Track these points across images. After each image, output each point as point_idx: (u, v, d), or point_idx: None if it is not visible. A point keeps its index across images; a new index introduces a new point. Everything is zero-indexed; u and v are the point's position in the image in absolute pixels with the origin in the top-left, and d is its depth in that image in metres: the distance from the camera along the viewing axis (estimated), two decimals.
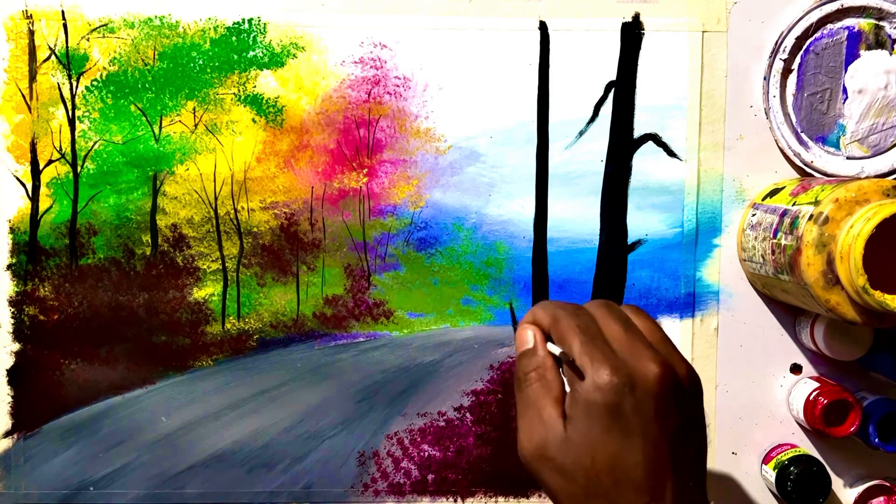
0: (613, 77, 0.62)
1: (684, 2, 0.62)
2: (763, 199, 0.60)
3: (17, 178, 0.61)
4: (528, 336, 0.44)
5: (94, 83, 0.61)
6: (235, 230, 0.63)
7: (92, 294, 0.62)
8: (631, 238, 0.63)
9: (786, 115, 0.61)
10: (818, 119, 0.61)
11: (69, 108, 0.61)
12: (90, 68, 0.61)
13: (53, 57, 0.61)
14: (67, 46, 0.61)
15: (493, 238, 0.63)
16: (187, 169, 0.62)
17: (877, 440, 0.59)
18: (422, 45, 0.62)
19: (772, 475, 0.61)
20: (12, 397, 0.62)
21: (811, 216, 0.51)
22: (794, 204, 0.54)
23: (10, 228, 0.61)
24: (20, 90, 0.61)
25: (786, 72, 0.61)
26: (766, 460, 0.62)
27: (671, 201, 0.63)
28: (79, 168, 0.61)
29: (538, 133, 0.63)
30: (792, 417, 0.63)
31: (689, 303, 0.63)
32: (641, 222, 0.63)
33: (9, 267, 0.62)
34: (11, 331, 0.62)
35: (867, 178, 0.57)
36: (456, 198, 0.63)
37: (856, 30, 0.60)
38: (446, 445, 0.63)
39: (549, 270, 0.63)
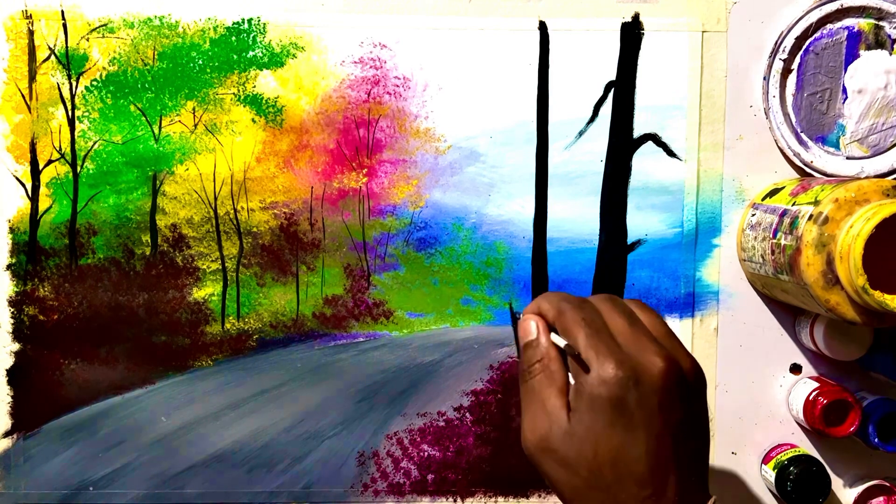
0: (613, 77, 0.62)
1: (684, 2, 0.62)
2: (763, 199, 0.60)
3: (17, 178, 0.61)
4: (532, 327, 0.44)
5: (94, 83, 0.61)
6: (235, 230, 0.63)
7: (92, 294, 0.62)
8: (631, 238, 0.63)
9: (785, 115, 0.61)
10: (818, 119, 0.61)
11: (69, 108, 0.61)
12: (90, 68, 0.61)
13: (53, 57, 0.61)
14: (67, 46, 0.61)
15: (493, 238, 0.63)
16: (187, 169, 0.62)
17: (876, 440, 0.59)
18: (422, 45, 0.62)
19: (772, 475, 0.61)
20: (12, 397, 0.62)
21: (811, 216, 0.51)
22: (793, 204, 0.54)
23: (10, 228, 0.61)
24: (20, 90, 0.61)
25: (785, 72, 0.61)
26: (765, 460, 0.62)
27: (671, 201, 0.63)
28: (78, 168, 0.61)
29: (538, 133, 0.63)
30: (792, 417, 0.63)
31: (689, 303, 0.63)
32: (641, 222, 0.63)
33: (8, 267, 0.62)
34: (11, 331, 0.62)
35: (867, 178, 0.57)
36: (456, 198, 0.63)
37: (855, 30, 0.60)
38: (446, 445, 0.63)
39: (549, 270, 0.63)
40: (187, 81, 0.61)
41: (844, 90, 0.61)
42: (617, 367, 0.39)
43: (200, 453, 0.63)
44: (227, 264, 0.63)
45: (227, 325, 0.63)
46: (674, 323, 0.63)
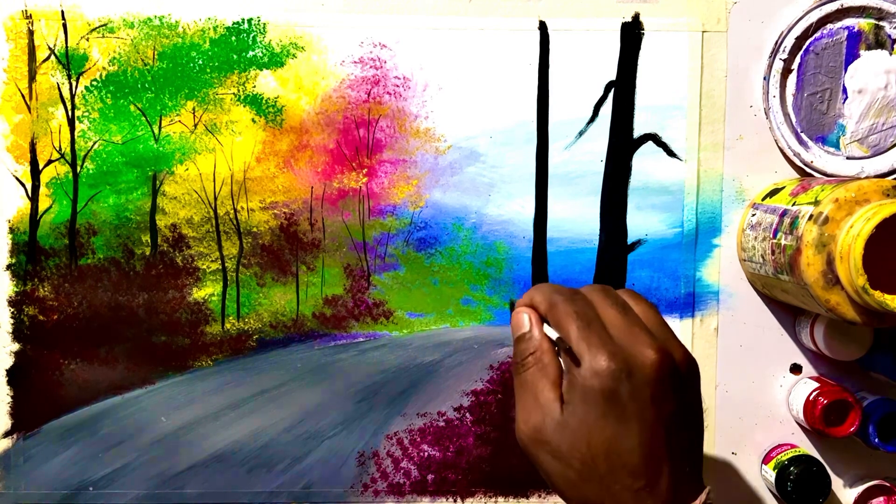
0: (613, 77, 0.62)
1: (684, 2, 0.62)
2: (763, 199, 0.60)
3: (17, 178, 0.61)
4: (525, 320, 0.44)
5: (94, 83, 0.61)
6: (235, 230, 0.62)
7: (92, 294, 0.62)
8: (631, 238, 0.63)
9: (786, 115, 0.61)
10: (818, 119, 0.61)
11: (69, 108, 0.61)
12: (90, 68, 0.61)
13: (53, 57, 0.61)
14: (67, 46, 0.61)
15: (493, 238, 0.63)
16: (187, 169, 0.62)
17: (877, 440, 0.59)
18: (422, 45, 0.62)
19: (772, 475, 0.61)
20: (12, 397, 0.62)
21: (811, 216, 0.51)
22: (793, 204, 0.54)
23: (10, 228, 0.61)
24: (20, 90, 0.61)
25: (786, 72, 0.61)
26: (766, 460, 0.62)
27: (671, 201, 0.63)
28: (78, 168, 0.61)
29: (538, 133, 0.63)
30: (792, 417, 0.63)
31: (689, 303, 0.63)
32: (641, 222, 0.63)
33: (8, 267, 0.62)
34: (11, 331, 0.62)
35: (867, 178, 0.57)
36: (456, 198, 0.63)
37: (856, 30, 0.60)
38: (446, 445, 0.63)
39: (549, 270, 0.63)
40: (187, 81, 0.61)
41: (844, 90, 0.61)
42: (609, 360, 0.39)
43: (200, 453, 0.63)
44: (227, 264, 0.63)
45: (227, 326, 0.63)
46: (674, 323, 0.63)
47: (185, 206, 0.62)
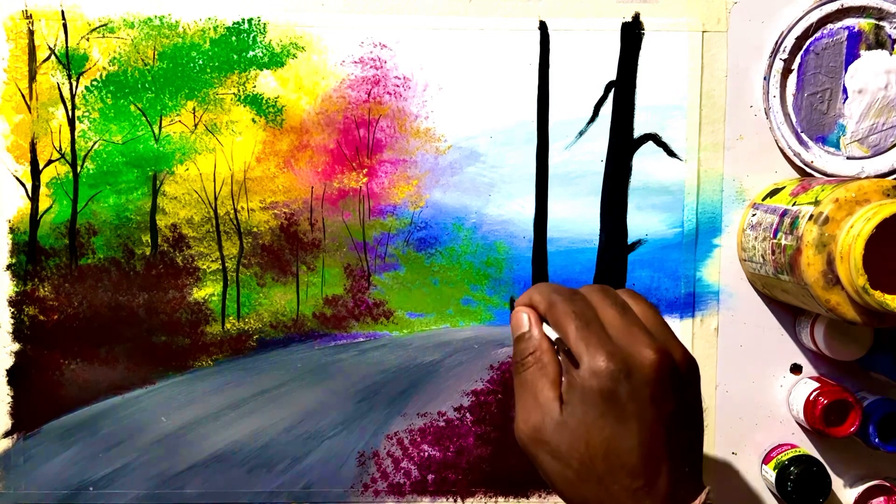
0: (613, 77, 0.62)
1: (684, 2, 0.62)
2: (763, 199, 0.60)
3: (17, 178, 0.61)
4: (524, 319, 0.44)
5: (94, 83, 0.61)
6: (235, 230, 0.62)
7: (92, 294, 0.62)
8: (631, 238, 0.63)
9: (786, 115, 0.61)
10: (818, 119, 0.61)
11: (69, 108, 0.61)
12: (90, 68, 0.61)
13: (53, 57, 0.61)
14: (67, 46, 0.61)
15: (493, 238, 0.63)
16: (187, 169, 0.62)
17: (877, 440, 0.59)
18: (422, 45, 0.62)
19: (772, 475, 0.61)
20: (12, 397, 0.62)
21: (811, 216, 0.51)
22: (794, 204, 0.54)
23: (10, 228, 0.61)
24: (20, 90, 0.61)
25: (786, 72, 0.61)
26: (766, 460, 0.62)
27: (671, 201, 0.63)
28: (78, 168, 0.61)
29: (538, 133, 0.63)
30: (792, 417, 0.63)
31: (689, 303, 0.63)
32: (641, 222, 0.63)
33: (9, 267, 0.62)
34: (11, 331, 0.62)
35: (867, 178, 0.57)
36: (456, 198, 0.63)
37: (856, 30, 0.60)
38: (446, 445, 0.63)
39: (549, 270, 0.63)
40: (187, 81, 0.61)
41: (845, 90, 0.61)
42: (608, 360, 0.39)
43: (200, 453, 0.63)
44: (227, 264, 0.63)
45: (228, 326, 0.63)
46: (674, 323, 0.63)
47: (185, 206, 0.62)
